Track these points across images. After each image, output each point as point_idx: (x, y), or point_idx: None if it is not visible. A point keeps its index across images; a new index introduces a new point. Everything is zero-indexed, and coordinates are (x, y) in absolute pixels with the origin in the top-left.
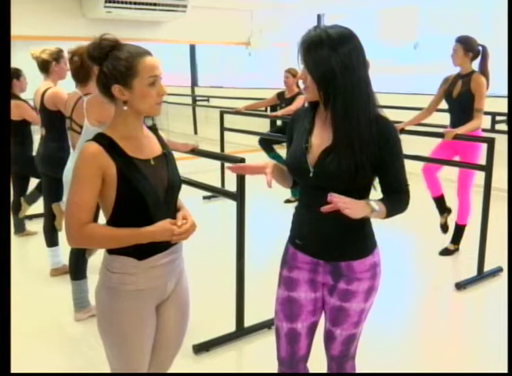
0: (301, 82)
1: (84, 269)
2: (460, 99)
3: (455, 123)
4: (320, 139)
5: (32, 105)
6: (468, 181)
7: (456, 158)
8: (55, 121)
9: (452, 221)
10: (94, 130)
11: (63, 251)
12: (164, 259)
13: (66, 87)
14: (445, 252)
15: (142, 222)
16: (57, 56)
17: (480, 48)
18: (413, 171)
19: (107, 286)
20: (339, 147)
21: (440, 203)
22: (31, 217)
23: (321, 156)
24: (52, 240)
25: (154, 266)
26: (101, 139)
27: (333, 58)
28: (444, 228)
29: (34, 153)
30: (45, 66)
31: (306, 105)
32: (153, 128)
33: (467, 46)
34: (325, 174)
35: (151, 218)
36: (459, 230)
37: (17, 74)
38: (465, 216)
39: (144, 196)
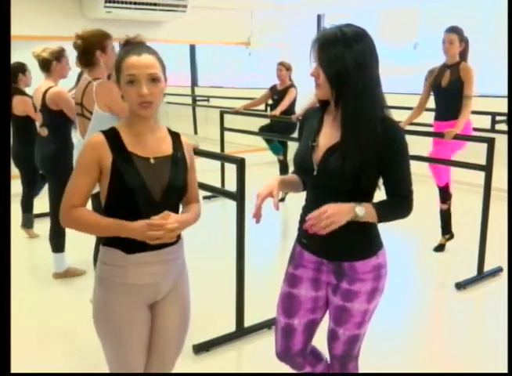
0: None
1: None
2: (450, 88)
3: (442, 111)
4: (327, 138)
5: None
6: (446, 153)
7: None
8: (58, 121)
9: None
10: (103, 115)
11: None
12: (157, 258)
13: (66, 85)
14: (440, 248)
15: (132, 218)
16: (58, 54)
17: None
18: (414, 171)
19: (100, 277)
20: (346, 146)
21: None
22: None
23: (325, 154)
24: (57, 246)
25: (145, 262)
26: (108, 131)
27: (347, 56)
28: (440, 248)
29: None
30: (45, 65)
31: (309, 103)
32: (175, 133)
33: (461, 36)
34: (328, 173)
35: (142, 216)
36: (443, 192)
37: (23, 68)
38: (443, 177)
39: (134, 191)
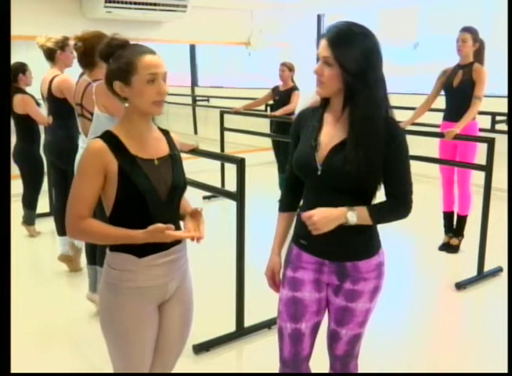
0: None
1: None
2: (461, 88)
3: (451, 111)
4: (329, 137)
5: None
6: (467, 173)
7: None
8: (63, 108)
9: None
10: (105, 117)
11: None
12: (165, 258)
13: (72, 74)
14: (451, 249)
15: (141, 221)
16: (62, 44)
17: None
18: (415, 171)
19: (108, 282)
20: (353, 145)
21: (449, 219)
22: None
23: (330, 154)
24: (63, 229)
25: (154, 265)
26: (107, 136)
27: (366, 54)
28: (446, 246)
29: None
30: (50, 55)
31: (310, 102)
32: (165, 131)
33: (476, 36)
34: (333, 172)
35: (151, 218)
36: (462, 221)
37: (23, 68)
38: (466, 207)
39: (143, 194)
